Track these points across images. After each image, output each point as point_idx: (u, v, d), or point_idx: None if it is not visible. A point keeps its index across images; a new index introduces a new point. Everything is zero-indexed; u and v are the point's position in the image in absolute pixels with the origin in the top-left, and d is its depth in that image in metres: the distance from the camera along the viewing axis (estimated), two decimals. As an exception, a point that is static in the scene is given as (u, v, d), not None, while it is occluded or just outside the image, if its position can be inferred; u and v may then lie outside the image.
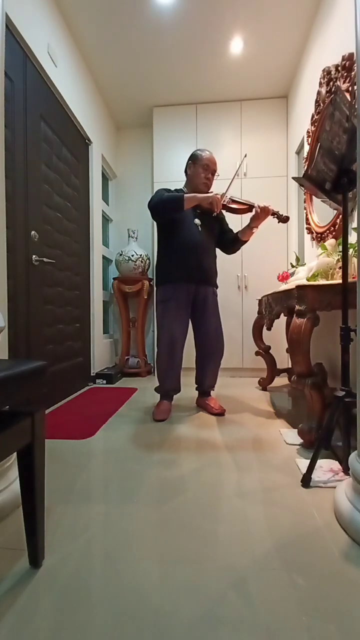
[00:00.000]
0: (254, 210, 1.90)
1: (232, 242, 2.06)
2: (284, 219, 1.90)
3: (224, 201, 1.91)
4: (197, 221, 1.92)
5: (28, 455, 0.76)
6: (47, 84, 2.12)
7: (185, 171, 2.02)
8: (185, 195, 1.79)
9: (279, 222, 1.92)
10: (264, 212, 1.86)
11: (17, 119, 1.78)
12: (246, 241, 2.03)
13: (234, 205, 1.93)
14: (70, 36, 2.39)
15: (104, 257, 3.29)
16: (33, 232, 1.91)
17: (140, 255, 3.16)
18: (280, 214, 1.90)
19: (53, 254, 2.18)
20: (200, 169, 1.94)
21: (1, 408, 0.70)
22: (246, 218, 2.03)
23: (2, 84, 1.07)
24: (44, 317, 2.07)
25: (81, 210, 2.69)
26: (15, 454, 0.89)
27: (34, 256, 1.91)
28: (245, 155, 2.14)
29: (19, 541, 0.85)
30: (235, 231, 2.06)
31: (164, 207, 1.82)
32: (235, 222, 2.22)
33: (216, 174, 2.00)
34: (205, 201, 1.81)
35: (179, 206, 1.79)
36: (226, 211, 1.95)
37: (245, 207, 1.93)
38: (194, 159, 1.96)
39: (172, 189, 2.03)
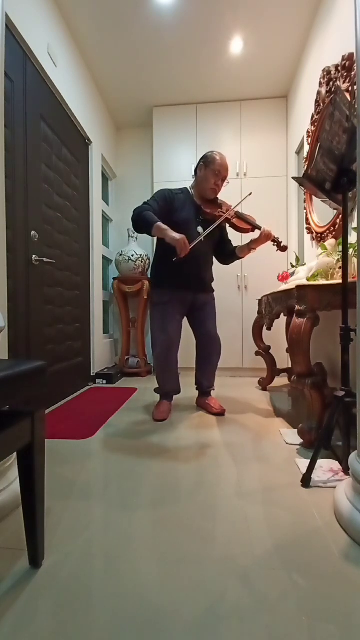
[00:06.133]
0: (256, 231, 1.89)
1: (229, 256, 2.05)
2: (282, 248, 1.89)
3: (230, 215, 1.88)
4: (200, 229, 1.86)
5: (28, 455, 0.76)
6: (47, 84, 2.12)
7: (195, 171, 1.96)
8: (156, 224, 1.70)
9: (277, 249, 1.90)
10: (265, 237, 1.84)
11: (17, 119, 1.78)
12: (242, 258, 2.03)
13: (237, 223, 1.91)
14: (70, 36, 2.39)
15: (104, 257, 3.29)
16: (33, 232, 1.91)
17: (140, 255, 3.16)
18: (280, 241, 1.88)
19: (53, 254, 2.18)
20: (210, 173, 1.87)
21: (1, 408, 0.70)
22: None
23: (2, 84, 1.07)
24: (44, 317, 2.07)
25: (81, 210, 2.69)
26: (15, 454, 0.89)
27: (34, 256, 1.91)
28: (250, 194, 2.09)
29: (19, 541, 0.85)
30: (234, 244, 2.05)
31: (137, 225, 1.79)
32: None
33: (226, 181, 1.94)
34: (171, 242, 1.67)
35: (148, 232, 1.75)
36: (229, 226, 1.94)
37: (249, 227, 1.91)
38: (206, 161, 1.89)
39: (176, 188, 1.98)
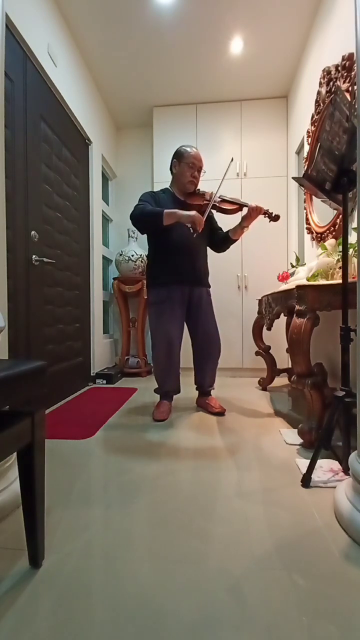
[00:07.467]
0: (244, 209, 1.89)
1: (223, 241, 2.04)
2: (274, 218, 1.88)
3: (215, 201, 1.89)
4: None
5: (28, 455, 0.76)
6: (47, 84, 2.12)
7: (171, 169, 1.99)
8: (165, 211, 1.73)
9: (270, 220, 1.89)
10: (255, 211, 1.84)
11: (17, 119, 1.78)
12: (236, 240, 2.01)
13: (224, 206, 1.91)
14: (70, 36, 2.39)
15: (104, 257, 3.29)
16: (33, 232, 1.91)
17: (140, 255, 3.16)
18: (271, 212, 1.87)
19: (53, 254, 2.18)
20: (185, 167, 1.91)
21: (1, 408, 0.70)
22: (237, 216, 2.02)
23: (2, 84, 1.07)
24: (44, 317, 2.07)
25: (81, 210, 2.69)
26: (15, 454, 0.89)
27: (34, 256, 1.91)
28: (232, 159, 2.08)
29: (19, 541, 0.85)
30: (225, 229, 2.04)
31: (144, 222, 1.80)
32: (228, 220, 2.21)
33: (202, 171, 1.97)
34: (186, 220, 1.73)
35: (158, 222, 1.74)
36: (217, 211, 1.94)
37: (236, 206, 1.92)
38: (178, 156, 1.93)
39: (159, 189, 2.02)
